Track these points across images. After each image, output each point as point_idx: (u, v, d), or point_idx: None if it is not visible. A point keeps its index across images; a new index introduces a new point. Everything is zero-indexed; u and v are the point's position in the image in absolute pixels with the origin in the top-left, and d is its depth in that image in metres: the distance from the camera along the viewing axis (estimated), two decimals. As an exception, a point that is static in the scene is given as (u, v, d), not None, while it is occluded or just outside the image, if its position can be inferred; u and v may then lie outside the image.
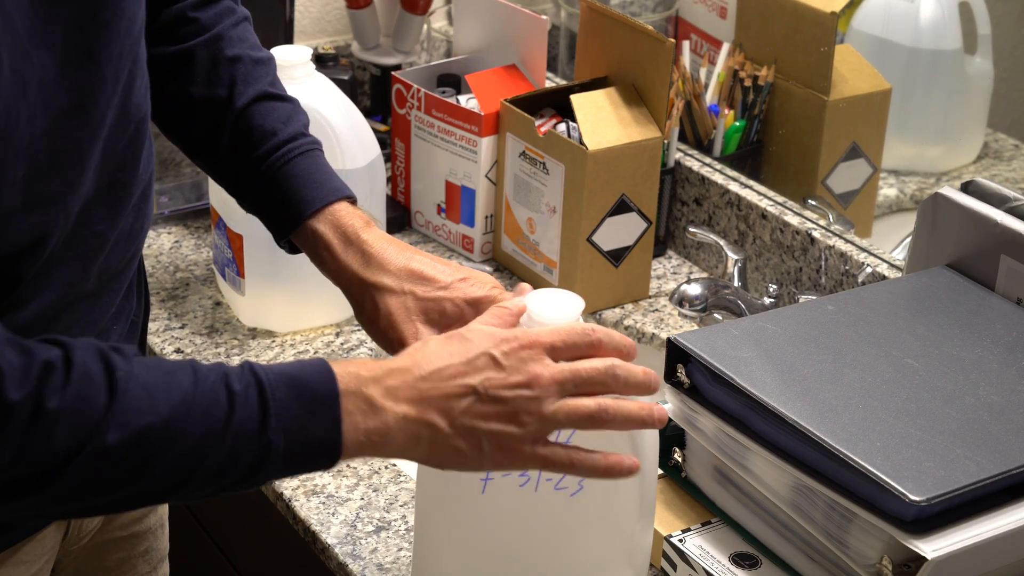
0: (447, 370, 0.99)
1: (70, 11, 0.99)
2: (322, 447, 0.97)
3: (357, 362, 1.00)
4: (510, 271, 1.88)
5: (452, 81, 1.96)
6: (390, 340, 1.17)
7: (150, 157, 1.16)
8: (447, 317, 1.17)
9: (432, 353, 1.00)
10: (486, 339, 1.00)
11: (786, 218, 1.76)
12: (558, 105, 1.83)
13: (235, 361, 1.66)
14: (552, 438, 1.06)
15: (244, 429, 0.95)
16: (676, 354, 1.28)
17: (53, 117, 0.98)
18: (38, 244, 1.01)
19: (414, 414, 0.98)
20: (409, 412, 0.98)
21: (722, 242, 1.75)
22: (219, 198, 1.72)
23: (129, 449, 0.93)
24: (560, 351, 1.01)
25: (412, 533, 1.37)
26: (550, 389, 0.99)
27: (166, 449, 0.94)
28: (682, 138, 1.94)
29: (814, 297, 1.64)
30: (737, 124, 1.90)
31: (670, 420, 1.32)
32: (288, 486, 1.46)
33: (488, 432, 0.99)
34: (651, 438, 1.17)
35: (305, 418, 0.96)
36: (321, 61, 2.06)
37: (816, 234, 1.72)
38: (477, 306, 1.17)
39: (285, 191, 1.24)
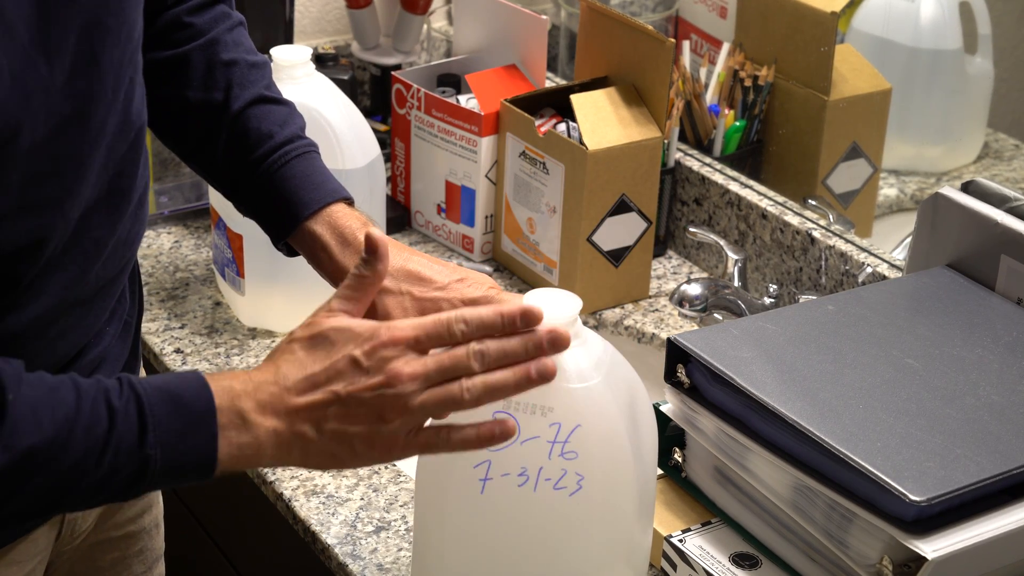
0: (311, 379, 1.00)
1: (78, 17, 0.99)
2: (198, 461, 0.99)
3: (230, 375, 1.01)
4: (510, 271, 1.88)
5: (452, 81, 1.96)
6: None
7: (147, 164, 1.17)
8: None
9: (297, 362, 1.01)
10: (349, 340, 1.01)
11: (786, 218, 1.76)
12: (558, 105, 1.83)
13: (235, 362, 1.67)
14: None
15: (124, 445, 0.97)
16: (676, 354, 1.28)
17: (56, 124, 0.98)
18: (35, 247, 1.01)
19: (283, 427, 1.00)
20: (278, 426, 1.00)
21: (722, 242, 1.75)
22: (219, 198, 1.72)
23: (13, 469, 0.94)
24: (424, 344, 1.01)
25: (412, 533, 1.37)
26: (412, 385, 0.99)
27: (49, 467, 0.95)
28: (682, 138, 1.94)
29: (814, 297, 1.63)
30: (737, 124, 1.90)
31: (669, 420, 1.32)
32: (288, 486, 1.45)
33: (357, 434, 1.00)
34: (651, 438, 1.17)
35: (182, 433, 0.98)
36: (321, 61, 2.05)
37: (816, 234, 1.72)
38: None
39: (282, 194, 1.24)
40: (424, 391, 1.00)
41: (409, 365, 0.99)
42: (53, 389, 0.96)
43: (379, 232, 1.05)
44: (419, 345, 1.00)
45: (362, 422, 1.00)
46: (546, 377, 1.01)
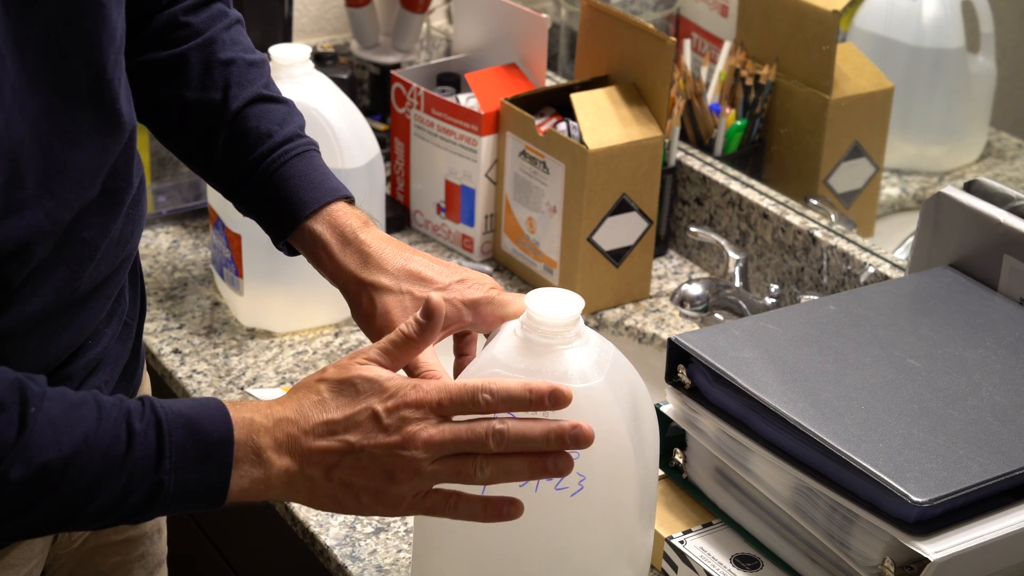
0: (330, 424, 1.01)
1: (48, 16, 0.98)
2: (209, 491, 1.00)
3: (252, 407, 1.02)
4: (510, 271, 1.88)
5: (452, 80, 1.95)
6: None
7: (140, 164, 1.16)
8: (445, 319, 1.17)
9: (320, 404, 1.02)
10: (374, 393, 1.01)
11: (788, 218, 1.75)
12: (558, 104, 1.82)
13: (233, 363, 1.66)
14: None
15: (139, 468, 0.97)
16: (677, 354, 1.28)
17: (32, 123, 0.97)
18: (22, 251, 1.00)
19: (295, 468, 1.01)
20: (290, 467, 1.01)
21: (723, 242, 1.75)
22: (217, 197, 1.71)
23: (28, 484, 0.94)
24: (446, 409, 1.01)
25: (411, 534, 1.36)
26: (426, 451, 1.00)
27: (64, 484, 0.95)
28: (683, 137, 1.93)
29: (816, 297, 1.63)
30: (738, 123, 1.90)
31: (670, 421, 1.31)
32: (286, 487, 1.45)
33: (364, 487, 1.01)
34: (652, 439, 1.16)
35: (197, 461, 0.98)
36: (320, 60, 2.05)
37: (818, 234, 1.71)
38: (475, 308, 1.16)
39: (282, 193, 1.23)
40: (437, 460, 1.00)
41: (426, 431, 1.00)
42: (74, 406, 0.97)
43: (438, 299, 1.04)
44: (441, 410, 1.01)
45: (372, 477, 1.01)
46: (563, 472, 1.02)
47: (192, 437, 0.98)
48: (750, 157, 1.92)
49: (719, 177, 1.85)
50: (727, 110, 1.90)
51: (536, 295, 1.12)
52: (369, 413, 1.00)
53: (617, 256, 1.78)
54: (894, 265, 1.65)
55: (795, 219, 1.75)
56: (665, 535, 1.28)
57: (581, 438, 1.00)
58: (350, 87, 2.05)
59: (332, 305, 1.71)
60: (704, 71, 1.95)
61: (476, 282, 1.18)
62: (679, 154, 1.89)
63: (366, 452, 1.00)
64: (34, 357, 1.08)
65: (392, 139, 1.96)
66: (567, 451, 1.01)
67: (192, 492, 0.99)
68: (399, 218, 1.96)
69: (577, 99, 1.74)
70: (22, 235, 0.99)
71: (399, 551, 1.37)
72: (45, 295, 1.05)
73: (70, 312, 1.10)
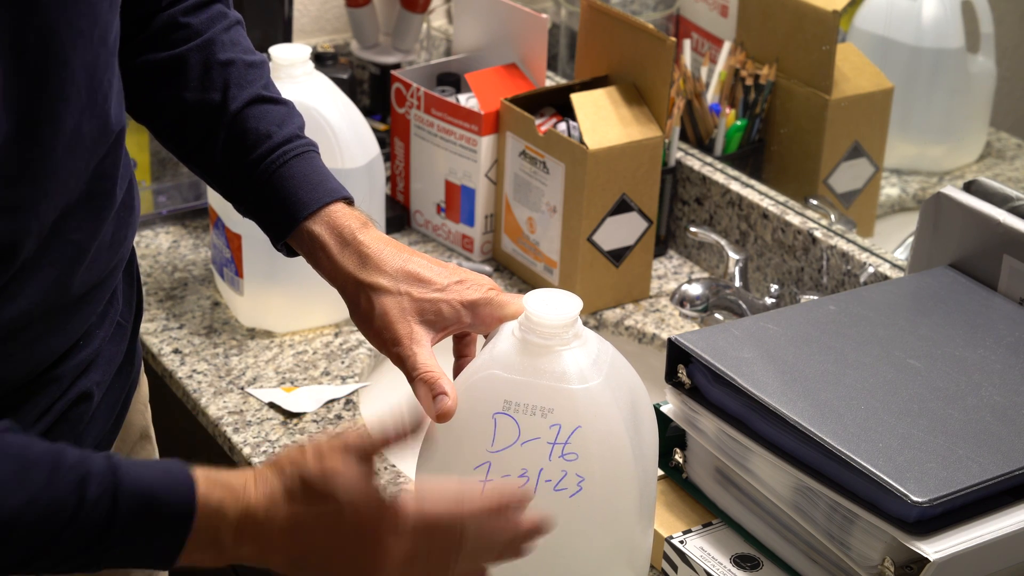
0: (297, 518, 1.00)
1: (41, 18, 0.98)
2: (155, 561, 0.98)
3: (223, 485, 1.00)
4: (510, 271, 1.87)
5: (452, 80, 1.95)
6: (384, 340, 1.17)
7: (128, 167, 1.16)
8: (444, 319, 1.17)
9: (292, 499, 1.00)
10: (355, 505, 1.00)
11: (788, 218, 1.75)
12: (558, 104, 1.82)
13: (233, 363, 1.66)
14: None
15: (82, 538, 0.95)
16: (677, 354, 1.28)
17: (18, 123, 0.97)
18: (8, 250, 1.00)
19: (254, 555, 1.00)
20: (250, 553, 1.00)
21: (723, 242, 1.75)
22: (217, 198, 1.71)
23: None
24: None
25: (411, 535, 1.36)
26: (391, 566, 1.01)
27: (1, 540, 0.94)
28: (683, 137, 1.93)
29: (816, 297, 1.63)
30: (738, 123, 1.90)
31: (670, 421, 1.31)
32: (286, 487, 1.45)
33: None
34: (651, 439, 1.16)
35: (148, 536, 0.97)
36: (320, 60, 2.05)
37: (818, 234, 1.71)
38: (474, 308, 1.16)
39: (281, 194, 1.23)
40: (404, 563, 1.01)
41: (397, 546, 1.00)
42: (26, 468, 0.94)
43: (419, 415, 1.04)
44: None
45: (337, 573, 1.01)
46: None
47: (146, 510, 0.96)
48: (750, 157, 1.92)
49: (719, 177, 1.85)
50: (727, 110, 1.90)
51: (534, 296, 1.12)
52: (342, 514, 1.00)
53: (617, 256, 1.78)
54: (894, 265, 1.65)
55: (795, 219, 1.75)
56: (665, 535, 1.28)
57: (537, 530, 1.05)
58: (350, 87, 2.05)
59: (332, 305, 1.71)
60: (704, 71, 1.94)
61: (475, 283, 1.18)
62: (679, 154, 1.89)
63: (336, 557, 1.00)
64: (19, 359, 1.07)
65: (392, 139, 1.96)
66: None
67: (136, 559, 0.98)
68: (399, 218, 1.96)
69: (577, 99, 1.74)
70: (9, 236, 0.99)
71: (399, 551, 1.36)
72: (31, 297, 1.04)
73: (60, 316, 1.09)
